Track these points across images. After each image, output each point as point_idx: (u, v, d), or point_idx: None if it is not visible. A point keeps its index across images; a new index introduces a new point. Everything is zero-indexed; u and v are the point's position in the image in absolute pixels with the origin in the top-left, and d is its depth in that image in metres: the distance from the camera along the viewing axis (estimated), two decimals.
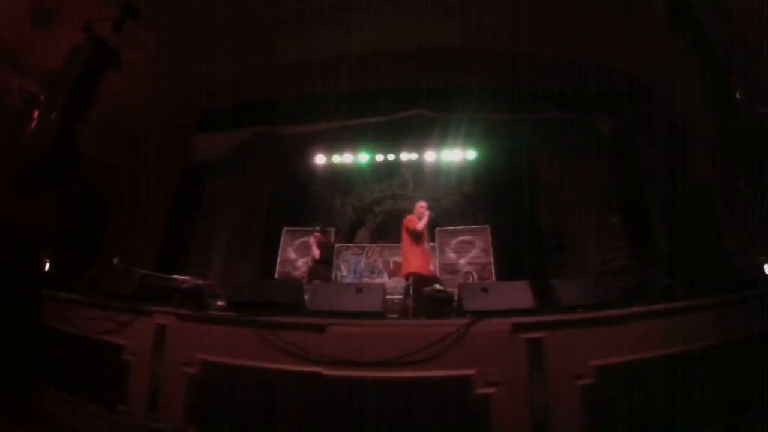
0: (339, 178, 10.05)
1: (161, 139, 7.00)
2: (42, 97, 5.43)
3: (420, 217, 5.53)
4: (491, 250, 8.40)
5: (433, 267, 5.25)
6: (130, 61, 5.63)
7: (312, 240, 7.25)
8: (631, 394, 2.98)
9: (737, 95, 4.32)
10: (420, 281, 5.08)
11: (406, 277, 5.51)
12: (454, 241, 8.91)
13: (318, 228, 7.51)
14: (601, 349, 3.07)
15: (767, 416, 3.14)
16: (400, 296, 8.13)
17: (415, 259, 5.43)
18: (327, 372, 3.02)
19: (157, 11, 5.52)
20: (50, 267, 5.15)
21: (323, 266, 7.21)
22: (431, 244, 8.06)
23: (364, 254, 9.31)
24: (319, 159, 9.60)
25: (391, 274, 8.98)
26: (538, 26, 5.91)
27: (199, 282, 4.11)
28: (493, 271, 8.25)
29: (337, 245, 9.25)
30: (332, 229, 8.78)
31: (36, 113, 5.24)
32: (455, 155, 9.49)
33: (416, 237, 5.58)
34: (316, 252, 7.05)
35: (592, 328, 3.16)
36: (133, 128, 6.68)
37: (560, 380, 2.96)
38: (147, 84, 6.29)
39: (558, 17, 5.66)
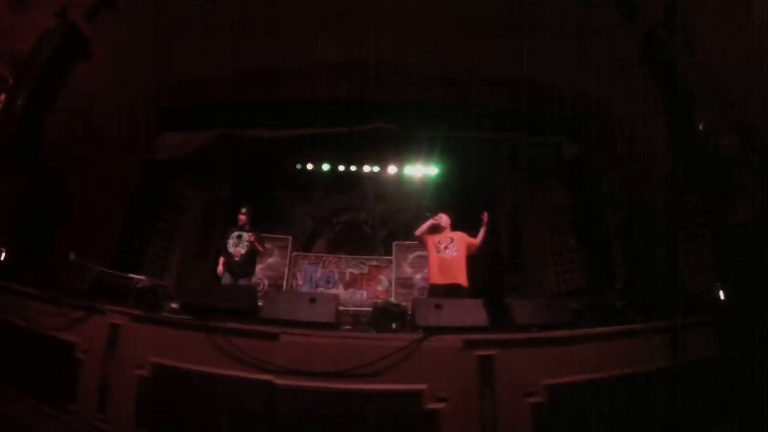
0: (300, 186, 9.95)
1: (125, 135, 6.87)
2: (10, 80, 5.30)
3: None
4: None
5: (450, 277, 5.02)
6: (99, 51, 5.53)
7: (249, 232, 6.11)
8: (582, 414, 3.02)
9: (700, 127, 4.45)
10: (435, 292, 5.03)
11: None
12: (411, 256, 8.98)
13: (244, 210, 6.28)
14: (553, 369, 3.12)
15: None
16: (355, 308, 8.20)
17: (430, 269, 5.33)
18: (279, 381, 3.00)
19: (131, 2, 5.44)
20: (5, 257, 5.01)
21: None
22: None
23: (321, 264, 9.28)
24: (282, 165, 9.47)
25: (347, 286, 9.04)
26: (505, 47, 6.01)
27: (155, 282, 4.06)
28: None
29: (294, 254, 9.21)
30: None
31: (2, 96, 5.10)
32: (416, 170, 9.51)
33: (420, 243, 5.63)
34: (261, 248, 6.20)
35: (544, 347, 3.21)
36: (97, 121, 6.55)
37: (511, 398, 2.98)
38: (114, 77, 6.18)
39: (525, 40, 5.76)
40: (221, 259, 6.05)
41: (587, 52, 5.63)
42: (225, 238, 6.14)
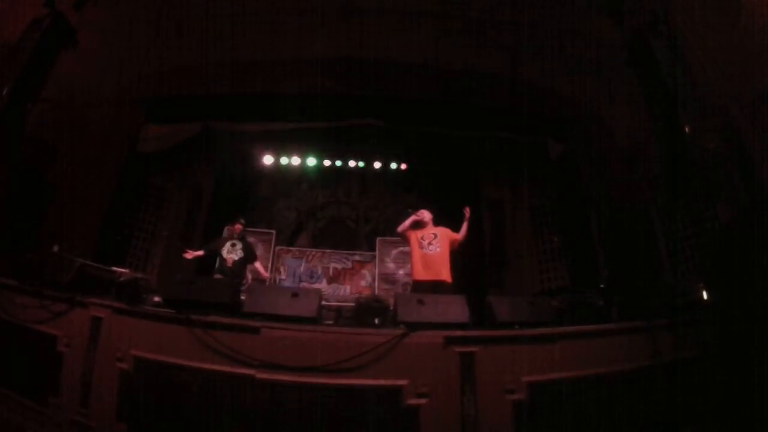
0: (285, 179, 9.92)
1: (108, 126, 6.84)
2: None
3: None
4: None
5: (434, 273, 4.98)
6: (85, 41, 5.48)
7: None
8: (562, 412, 3.05)
9: (686, 129, 4.49)
10: (419, 288, 4.94)
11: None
12: (394, 252, 9.03)
13: (242, 221, 6.64)
14: (534, 366, 3.14)
15: None
16: (338, 303, 8.25)
17: (413, 265, 5.25)
18: (260, 375, 3.01)
19: None
20: None
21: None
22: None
23: (305, 259, 9.28)
24: (267, 159, 9.38)
25: (330, 280, 9.06)
26: (493, 47, 6.04)
27: (137, 276, 4.04)
28: None
29: (277, 248, 9.21)
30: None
31: None
32: (401, 166, 9.53)
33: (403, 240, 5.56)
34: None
35: (525, 344, 3.23)
36: (81, 112, 6.52)
37: (491, 395, 3.01)
38: (99, 68, 6.14)
39: (513, 41, 5.79)
40: (197, 252, 6.39)
41: (575, 54, 5.67)
42: (218, 246, 6.42)
